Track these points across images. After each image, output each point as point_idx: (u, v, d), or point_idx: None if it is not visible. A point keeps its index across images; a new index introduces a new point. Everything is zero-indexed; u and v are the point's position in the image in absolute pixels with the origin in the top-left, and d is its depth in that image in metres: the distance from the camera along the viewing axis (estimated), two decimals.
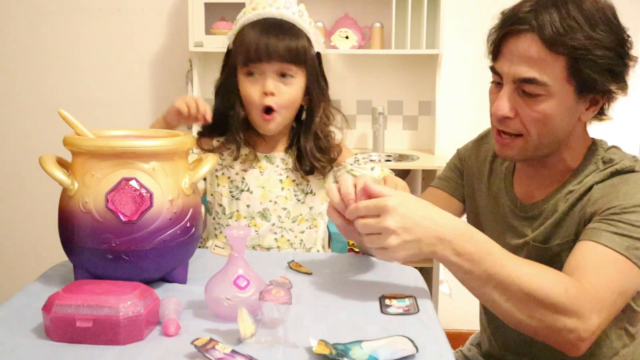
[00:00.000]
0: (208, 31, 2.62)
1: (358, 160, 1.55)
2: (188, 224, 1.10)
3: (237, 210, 1.50)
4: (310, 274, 1.23)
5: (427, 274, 2.51)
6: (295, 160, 1.50)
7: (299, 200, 1.51)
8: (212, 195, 1.53)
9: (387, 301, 1.08)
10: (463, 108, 2.85)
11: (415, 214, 1.01)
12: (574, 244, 1.11)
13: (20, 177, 3.01)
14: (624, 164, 1.15)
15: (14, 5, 2.91)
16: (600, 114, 1.19)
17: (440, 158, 2.63)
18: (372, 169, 1.55)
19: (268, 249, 1.50)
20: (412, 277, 1.22)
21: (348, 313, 1.03)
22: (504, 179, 1.32)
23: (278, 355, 0.87)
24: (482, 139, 1.44)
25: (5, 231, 3.08)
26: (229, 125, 1.49)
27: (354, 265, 1.30)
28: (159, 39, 2.92)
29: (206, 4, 2.60)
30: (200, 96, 2.75)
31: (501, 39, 1.17)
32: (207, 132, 1.53)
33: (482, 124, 1.37)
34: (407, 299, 1.08)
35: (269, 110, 1.43)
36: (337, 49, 2.74)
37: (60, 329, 0.90)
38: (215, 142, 1.52)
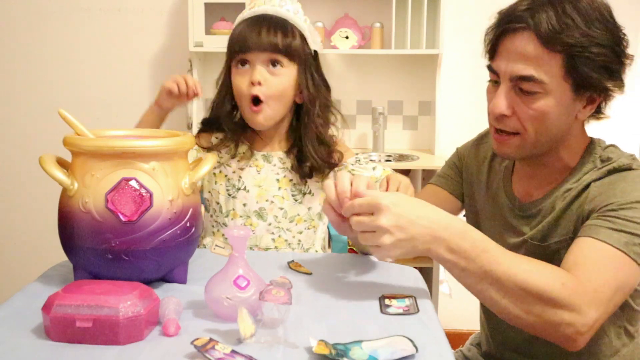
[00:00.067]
0: (208, 31, 2.62)
1: (359, 160, 1.55)
2: (188, 224, 1.10)
3: (234, 209, 1.49)
4: (310, 274, 1.23)
5: (427, 274, 2.51)
6: (295, 161, 1.50)
7: (296, 201, 1.51)
8: (209, 192, 1.53)
9: (387, 301, 1.08)
10: (463, 108, 2.85)
11: (409, 212, 1.01)
12: (572, 242, 1.11)
13: (20, 177, 3.01)
14: (622, 161, 1.16)
15: (14, 5, 2.91)
16: (598, 113, 1.20)
17: (440, 158, 2.63)
18: (373, 168, 1.55)
19: (266, 249, 1.49)
20: (412, 277, 1.22)
21: (348, 313, 1.03)
22: (503, 178, 1.33)
23: (278, 355, 0.87)
24: (481, 138, 1.44)
25: (5, 231, 3.08)
26: (222, 120, 1.50)
27: (354, 265, 1.30)
28: (159, 39, 2.92)
29: (206, 4, 2.60)
30: (201, 96, 2.75)
31: (498, 37, 1.17)
32: (206, 127, 1.53)
33: (482, 123, 1.37)
34: (407, 299, 1.09)
35: (256, 101, 1.43)
36: (337, 49, 2.74)
37: (60, 329, 0.90)
38: (214, 139, 1.52)
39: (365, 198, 1.03)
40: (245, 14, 1.48)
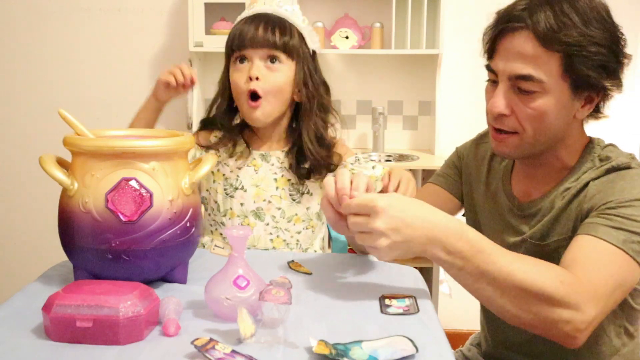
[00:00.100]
0: (208, 31, 2.62)
1: (359, 160, 1.55)
2: (188, 224, 1.10)
3: (231, 208, 1.49)
4: (310, 274, 1.23)
5: (427, 274, 2.51)
6: (294, 160, 1.50)
7: (294, 200, 1.51)
8: (207, 191, 1.53)
9: (387, 301, 1.08)
10: (463, 108, 2.85)
11: (405, 214, 1.01)
12: (571, 241, 1.11)
13: (20, 177, 3.01)
14: (620, 160, 1.16)
15: (14, 5, 2.91)
16: (597, 112, 1.20)
17: (440, 158, 2.63)
18: (373, 167, 1.55)
19: (264, 249, 1.49)
20: (412, 277, 1.22)
21: (348, 313, 1.03)
22: (502, 178, 1.33)
23: (278, 355, 0.87)
24: (481, 138, 1.44)
25: (5, 231, 3.08)
26: (219, 118, 1.50)
27: (354, 265, 1.30)
28: (159, 39, 2.92)
29: (206, 4, 2.60)
30: (201, 97, 2.76)
31: (496, 37, 1.18)
32: (205, 125, 1.54)
33: (482, 123, 1.37)
34: (407, 299, 1.09)
35: (254, 96, 1.43)
36: (337, 49, 2.74)
37: (60, 329, 0.90)
38: (212, 138, 1.52)
39: (362, 199, 1.03)
40: (245, 13, 1.49)
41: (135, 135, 1.20)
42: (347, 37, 2.74)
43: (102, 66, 2.94)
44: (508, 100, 1.16)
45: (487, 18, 1.21)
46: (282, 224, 1.50)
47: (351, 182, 1.08)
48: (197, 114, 2.71)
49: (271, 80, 1.43)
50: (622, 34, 1.15)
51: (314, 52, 1.51)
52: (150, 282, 1.11)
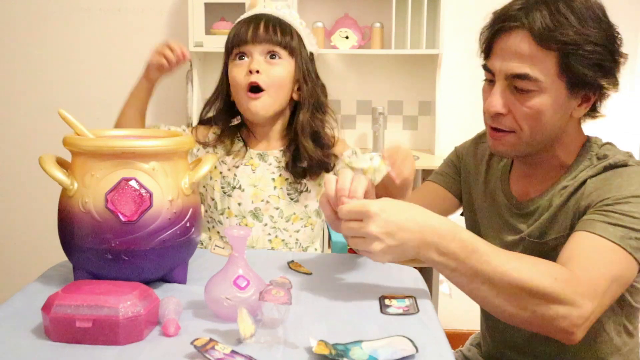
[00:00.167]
0: (208, 31, 2.62)
1: (356, 153, 1.54)
2: (188, 224, 1.10)
3: (229, 207, 1.49)
4: (310, 274, 1.23)
5: (427, 274, 2.51)
6: (290, 159, 1.49)
7: (292, 199, 1.51)
8: (204, 187, 1.53)
9: (387, 301, 1.08)
10: (463, 108, 2.85)
11: (398, 217, 1.01)
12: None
13: (20, 177, 3.01)
14: (617, 158, 1.17)
15: (14, 5, 2.91)
16: (593, 111, 1.20)
17: (440, 158, 2.62)
18: (370, 159, 1.54)
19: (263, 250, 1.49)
20: (412, 277, 1.22)
21: (348, 313, 1.03)
22: (501, 177, 1.33)
23: (278, 355, 0.87)
24: (480, 137, 1.45)
25: (5, 231, 3.08)
26: (216, 116, 1.50)
27: (354, 265, 1.30)
28: (159, 39, 2.88)
29: (206, 4, 2.60)
30: (201, 97, 2.75)
31: (493, 36, 1.19)
32: (204, 121, 1.54)
33: (482, 123, 1.37)
34: (407, 299, 1.09)
35: (255, 89, 1.43)
36: (337, 49, 2.74)
37: (60, 329, 0.90)
38: (211, 135, 1.52)
39: (354, 205, 1.03)
40: (244, 15, 1.50)
41: (135, 135, 1.20)
42: (347, 37, 2.74)
43: (102, 66, 2.93)
44: (505, 100, 1.17)
45: (486, 18, 1.22)
46: (281, 224, 1.50)
47: (351, 183, 1.08)
48: (197, 113, 2.69)
49: (272, 73, 1.44)
50: (618, 33, 1.16)
51: (311, 54, 1.51)
52: (150, 282, 1.11)
